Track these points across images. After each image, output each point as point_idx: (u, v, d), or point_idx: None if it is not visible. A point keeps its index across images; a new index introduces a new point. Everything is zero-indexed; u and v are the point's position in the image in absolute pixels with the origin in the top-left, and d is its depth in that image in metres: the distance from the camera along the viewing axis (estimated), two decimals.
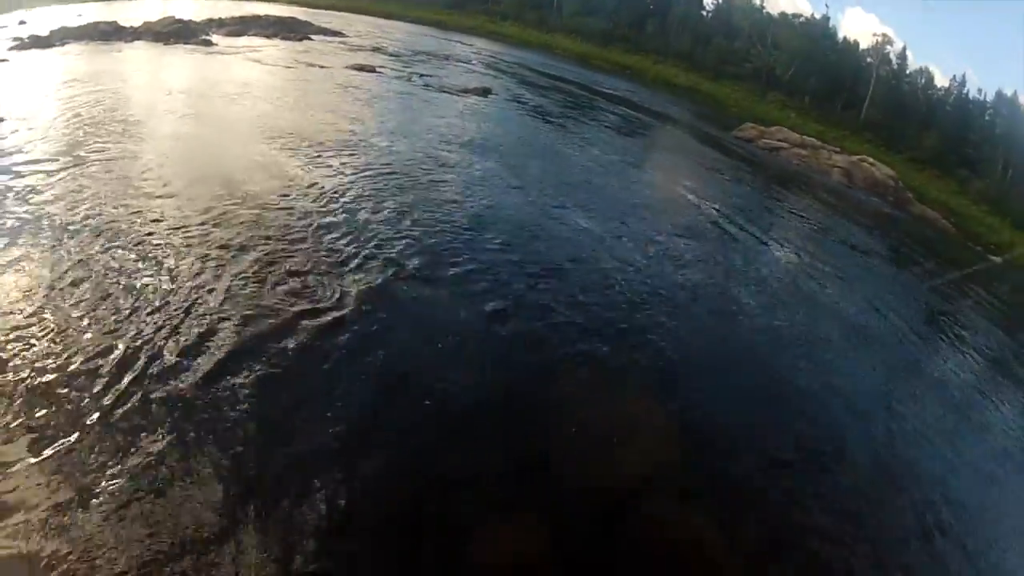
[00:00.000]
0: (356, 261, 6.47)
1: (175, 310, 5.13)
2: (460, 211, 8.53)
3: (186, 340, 4.84)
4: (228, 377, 4.58)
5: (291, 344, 5.03)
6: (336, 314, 5.51)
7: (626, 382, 6.00)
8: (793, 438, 6.31)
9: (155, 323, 4.93)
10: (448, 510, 4.01)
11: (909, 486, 6.50)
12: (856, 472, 6.27)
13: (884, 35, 49.47)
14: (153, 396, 4.31)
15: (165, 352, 4.71)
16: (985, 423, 9.14)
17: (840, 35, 50.51)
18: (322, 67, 15.09)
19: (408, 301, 6.00)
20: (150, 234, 6.25)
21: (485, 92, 17.35)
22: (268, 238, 6.55)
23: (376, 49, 20.50)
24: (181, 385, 4.42)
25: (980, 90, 51.46)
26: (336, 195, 8.00)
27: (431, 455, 4.40)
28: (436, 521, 3.91)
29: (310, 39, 20.44)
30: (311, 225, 7.03)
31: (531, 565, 3.85)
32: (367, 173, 8.96)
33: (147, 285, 5.39)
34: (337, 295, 5.76)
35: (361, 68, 16.04)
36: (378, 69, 16.70)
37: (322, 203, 7.69)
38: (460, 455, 4.46)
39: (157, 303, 5.17)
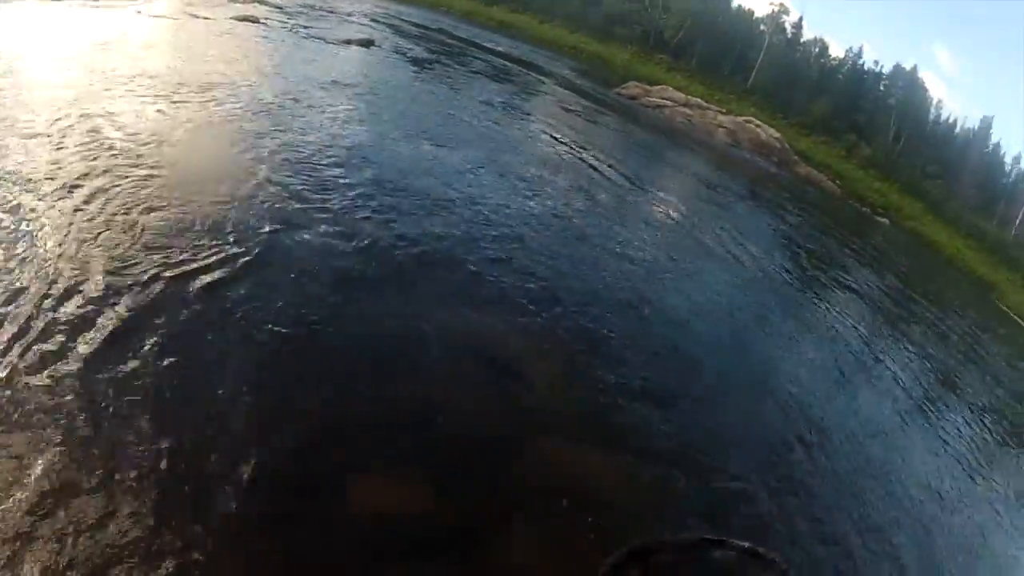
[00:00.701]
0: (221, 210, 5.53)
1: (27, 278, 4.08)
2: (331, 152, 7.88)
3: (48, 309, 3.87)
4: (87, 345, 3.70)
5: (156, 305, 4.16)
6: (197, 267, 4.61)
7: (504, 318, 5.62)
8: (679, 372, 6.22)
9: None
10: (328, 467, 3.55)
11: (775, 395, 6.83)
12: (730, 390, 6.44)
13: (781, 4, 49.21)
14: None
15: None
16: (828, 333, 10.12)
17: (735, 2, 49.65)
18: (206, 19, 14.70)
19: (277, 249, 5.25)
20: None
21: (368, 43, 17.45)
22: (122, 189, 5.44)
23: (261, 1, 19.84)
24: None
25: (876, 62, 52.00)
26: (198, 139, 7.10)
27: (307, 412, 3.84)
28: (316, 479, 3.46)
29: None
30: (164, 176, 5.85)
31: (416, 514, 3.53)
32: (237, 115, 8.17)
33: None
34: (200, 250, 4.83)
35: (246, 19, 15.67)
36: (263, 20, 16.31)
37: (181, 149, 6.61)
38: (338, 409, 3.99)
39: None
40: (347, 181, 7.02)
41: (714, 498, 4.58)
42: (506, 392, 4.70)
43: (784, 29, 48.71)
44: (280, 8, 19.56)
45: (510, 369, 4.96)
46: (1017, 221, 44.89)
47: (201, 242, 4.89)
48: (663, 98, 31.80)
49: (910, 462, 7.45)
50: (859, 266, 17.50)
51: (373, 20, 24.24)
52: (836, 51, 50.62)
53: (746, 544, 2.25)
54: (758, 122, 33.03)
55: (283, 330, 4.33)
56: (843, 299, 12.85)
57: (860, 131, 43.76)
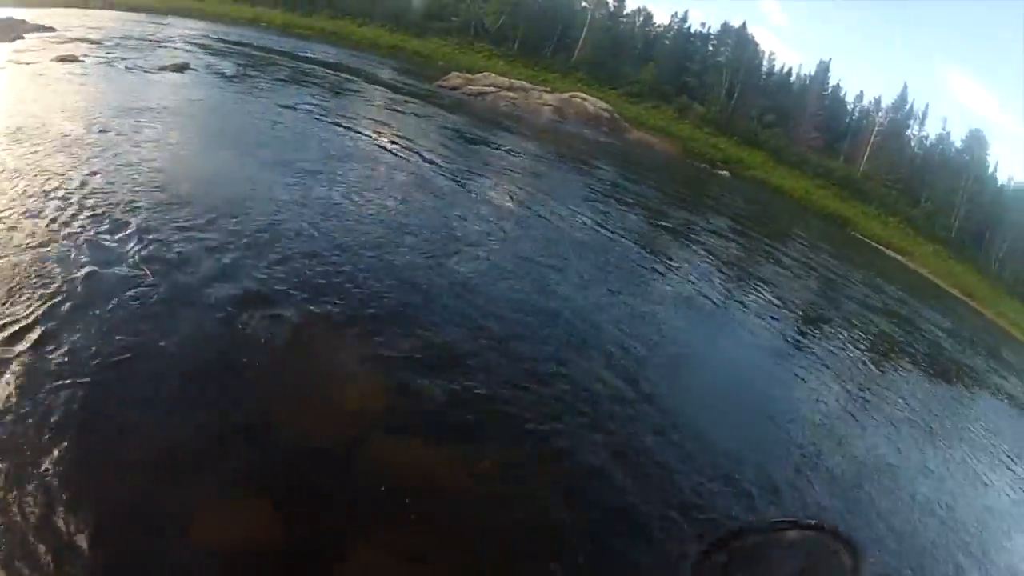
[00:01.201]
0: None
1: None
2: (140, 176, 7.54)
3: None
4: None
5: None
6: None
7: (329, 324, 5.40)
8: (513, 350, 6.05)
9: None
10: (165, 496, 3.49)
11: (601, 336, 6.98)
12: (558, 336, 6.61)
13: None
14: None
15: None
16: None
17: None
18: (27, 63, 14.47)
19: (82, 284, 4.97)
20: None
21: (182, 68, 17.16)
22: None
23: (85, 40, 20.02)
24: None
25: (704, 23, 53.30)
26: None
27: (139, 438, 3.83)
28: (151, 512, 3.40)
29: (23, 38, 19.12)
30: None
31: (263, 540, 3.45)
32: (39, 153, 7.70)
33: None
34: None
35: (65, 59, 15.44)
36: (81, 58, 16.04)
37: None
38: (169, 439, 3.87)
39: None
40: (145, 199, 6.88)
41: (555, 471, 4.63)
42: (330, 399, 4.61)
43: (606, 3, 49.45)
44: (99, 43, 19.86)
45: (333, 375, 4.89)
46: (864, 156, 47.46)
47: None
48: (486, 85, 30.79)
49: (781, 384, 8.38)
50: (705, 216, 18.38)
51: (189, 44, 23.74)
52: (662, 18, 51.87)
53: (812, 522, 3.25)
54: (584, 96, 32.80)
55: (92, 366, 4.16)
56: (691, 249, 13.47)
57: (692, 92, 45.02)
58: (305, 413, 4.40)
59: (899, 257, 36.19)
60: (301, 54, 28.33)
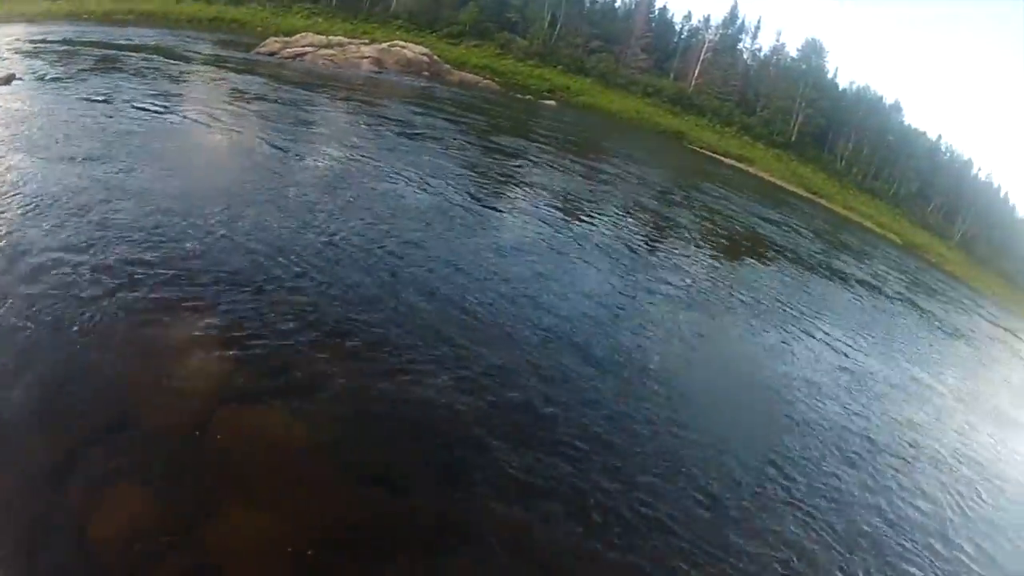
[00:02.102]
0: None
1: None
2: None
3: None
4: None
5: None
6: None
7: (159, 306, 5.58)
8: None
9: None
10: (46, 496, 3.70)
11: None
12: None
13: None
14: None
15: None
16: None
17: None
18: None
19: None
20: None
21: (8, 80, 15.23)
22: None
23: None
24: None
25: None
26: None
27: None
28: (35, 514, 3.58)
29: None
30: None
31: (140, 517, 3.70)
32: None
33: None
34: None
35: None
36: None
37: None
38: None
39: None
40: None
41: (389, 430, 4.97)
42: (173, 378, 4.76)
43: None
44: None
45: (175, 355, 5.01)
46: (695, 72, 50.67)
47: None
48: (304, 46, 31.45)
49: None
50: (526, 149, 19.19)
51: (18, 52, 21.00)
52: None
53: None
54: (402, 43, 34.22)
55: None
56: (513, 184, 14.30)
57: (515, 28, 47.06)
58: (155, 396, 4.58)
59: (739, 165, 39.11)
60: (124, 41, 26.67)
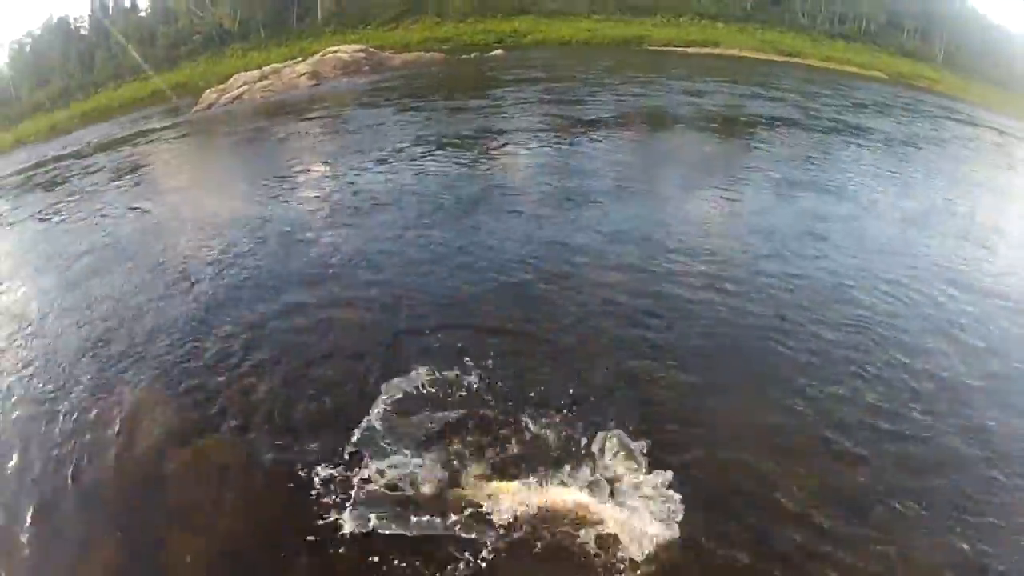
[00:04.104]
0: None
1: None
2: None
3: None
4: None
5: None
6: None
7: None
8: None
9: None
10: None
11: None
12: None
13: None
14: None
15: None
16: None
17: None
18: None
19: None
20: None
21: None
22: None
23: None
24: None
25: None
26: None
27: None
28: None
29: None
30: None
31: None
32: None
33: None
34: None
35: None
36: None
37: None
38: None
39: None
40: None
41: None
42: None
43: None
44: None
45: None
46: None
47: None
48: (239, 87, 30.82)
49: None
50: (482, 109, 18.29)
51: None
52: None
53: None
54: (335, 48, 33.08)
55: None
56: (480, 149, 13.47)
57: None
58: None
59: (705, 50, 37.59)
60: (66, 152, 25.09)
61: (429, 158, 12.56)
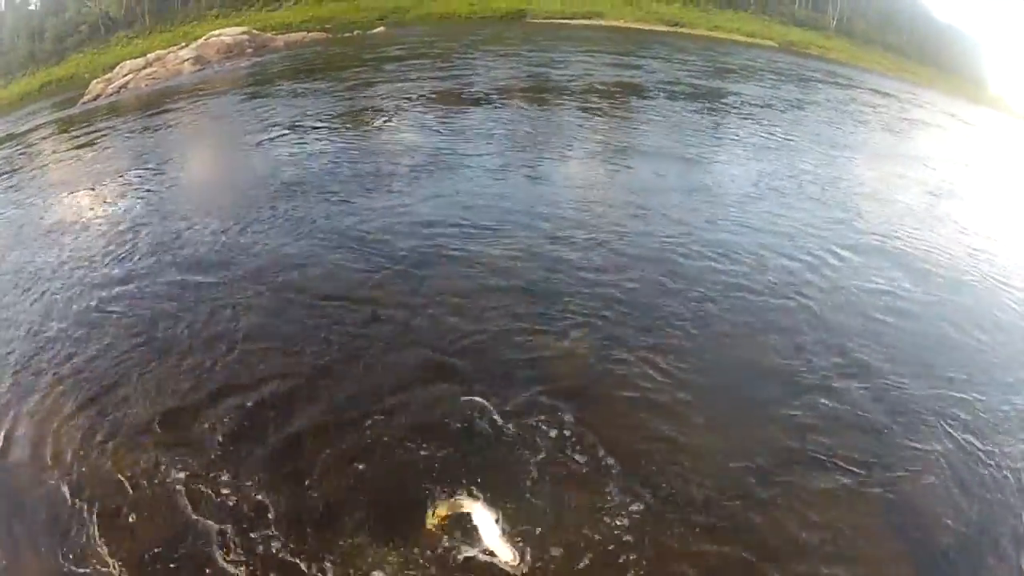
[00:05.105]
0: None
1: None
2: None
3: None
4: None
5: None
6: None
7: None
8: None
9: None
10: None
11: None
12: None
13: None
14: None
15: None
16: None
17: None
18: None
19: None
20: None
21: None
22: None
23: None
24: None
25: None
26: None
27: None
28: None
29: None
30: None
31: None
32: None
33: None
34: None
35: None
36: None
37: None
38: None
39: None
40: None
41: None
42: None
43: None
44: None
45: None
46: None
47: None
48: (124, 75, 31.39)
49: None
50: (355, 87, 19.08)
51: None
52: None
53: None
54: (219, 31, 33.91)
55: None
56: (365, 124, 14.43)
57: None
58: None
59: (590, 22, 38.27)
60: None
61: (309, 135, 13.18)
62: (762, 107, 18.00)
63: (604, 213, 8.83)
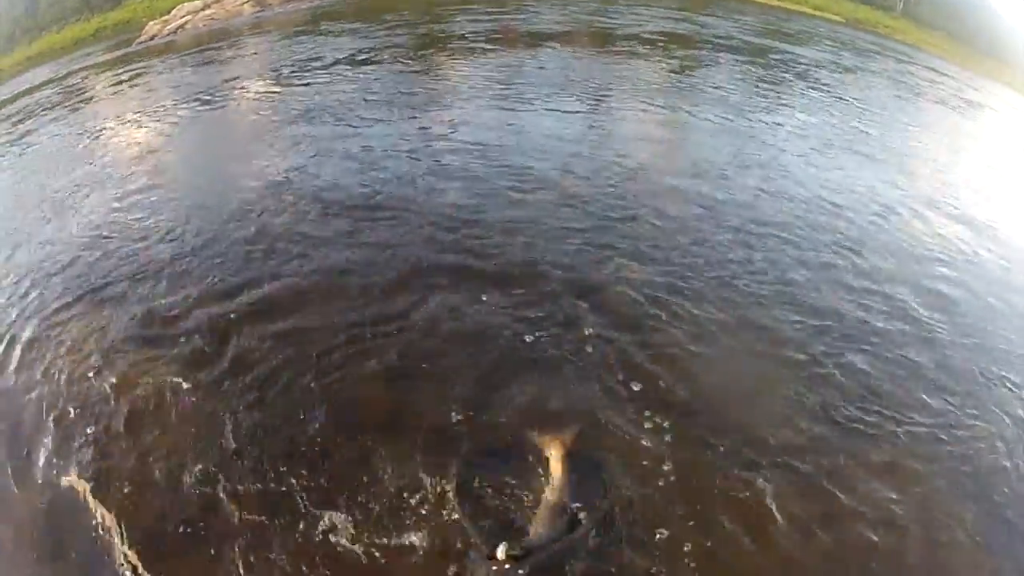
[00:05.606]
0: None
1: None
2: None
3: None
4: None
5: None
6: None
7: None
8: None
9: None
10: None
11: None
12: None
13: None
14: None
15: None
16: None
17: None
18: None
19: None
20: None
21: None
22: None
23: None
24: None
25: None
26: None
27: None
28: None
29: None
30: None
31: None
32: None
33: None
34: None
35: None
36: None
37: None
38: None
39: None
40: None
41: None
42: None
43: None
44: None
45: None
46: None
47: None
48: (182, 17, 31.40)
49: None
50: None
51: None
52: None
53: None
54: None
55: None
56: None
57: None
58: None
59: None
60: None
61: (370, 72, 13.75)
62: (811, 67, 18.30)
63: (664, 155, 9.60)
